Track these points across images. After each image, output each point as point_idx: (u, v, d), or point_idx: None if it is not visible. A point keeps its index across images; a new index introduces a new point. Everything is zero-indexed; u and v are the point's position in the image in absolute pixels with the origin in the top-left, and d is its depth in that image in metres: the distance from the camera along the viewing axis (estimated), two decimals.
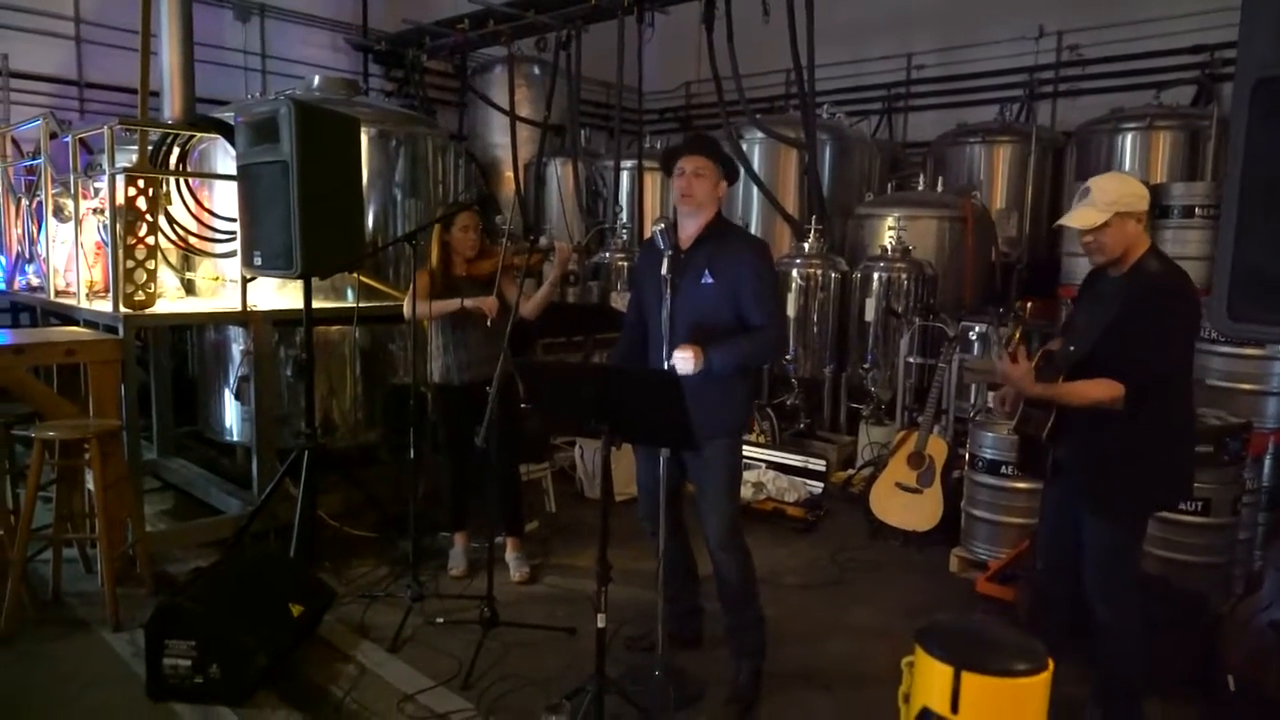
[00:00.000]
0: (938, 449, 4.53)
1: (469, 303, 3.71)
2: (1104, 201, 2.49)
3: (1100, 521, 2.57)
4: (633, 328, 3.15)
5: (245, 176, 3.97)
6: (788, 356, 6.09)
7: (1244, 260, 1.75)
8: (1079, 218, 2.53)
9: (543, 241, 3.91)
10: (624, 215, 7.87)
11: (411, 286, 3.75)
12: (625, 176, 8.02)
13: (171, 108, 4.78)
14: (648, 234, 8.27)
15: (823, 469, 5.15)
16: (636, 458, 3.18)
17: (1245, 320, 1.78)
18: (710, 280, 2.83)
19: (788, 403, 6.17)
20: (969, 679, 1.78)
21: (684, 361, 2.70)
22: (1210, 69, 6.94)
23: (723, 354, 2.77)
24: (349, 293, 4.71)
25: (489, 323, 3.72)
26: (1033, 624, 2.98)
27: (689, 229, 2.92)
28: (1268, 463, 4.06)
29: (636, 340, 3.10)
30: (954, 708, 1.80)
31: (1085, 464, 2.61)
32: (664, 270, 2.77)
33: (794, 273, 6.08)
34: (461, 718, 2.86)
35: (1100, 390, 2.45)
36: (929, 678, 1.86)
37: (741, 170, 6.92)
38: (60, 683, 3.04)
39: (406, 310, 3.72)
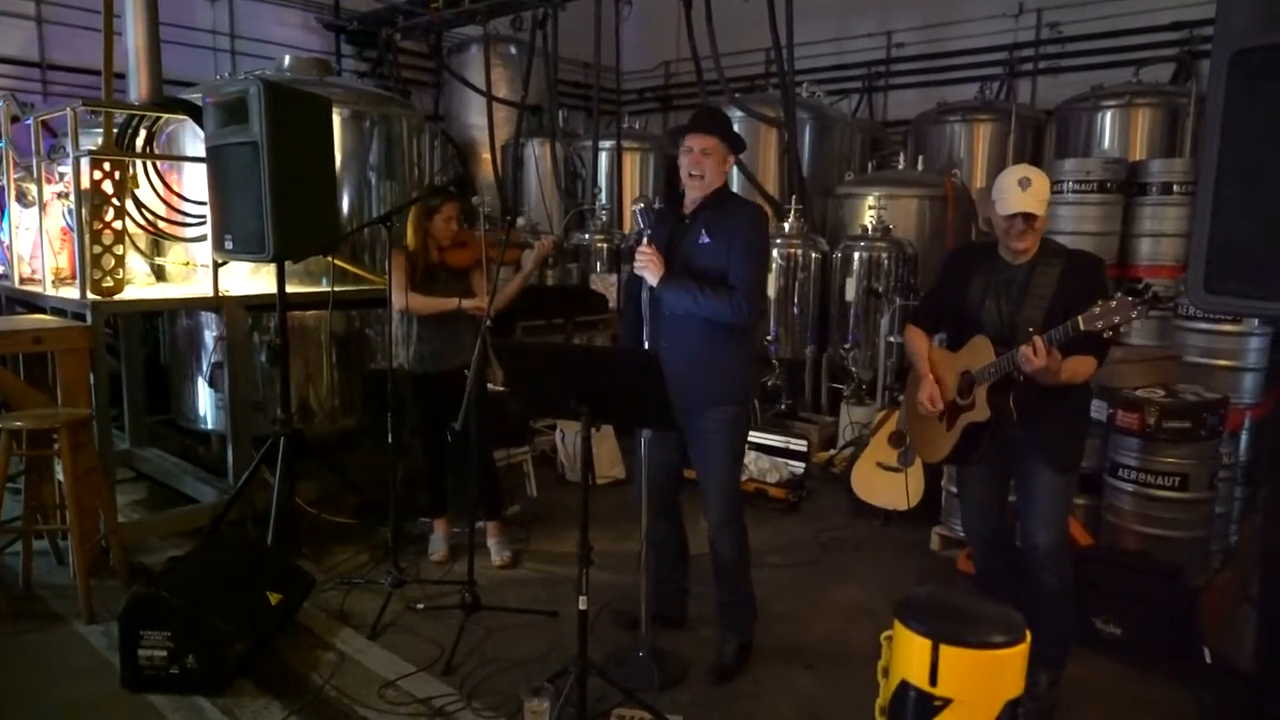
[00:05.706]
0: None
1: (467, 304, 3.70)
2: (1044, 196, 2.61)
3: (1063, 477, 2.75)
4: (632, 302, 3.12)
5: (215, 159, 3.88)
6: (769, 337, 6.09)
7: (1220, 233, 1.74)
8: (1039, 205, 2.59)
9: (520, 223, 3.88)
10: (603, 196, 7.81)
11: (402, 277, 3.69)
12: (604, 157, 7.96)
13: (138, 89, 4.66)
14: (627, 215, 8.20)
15: (804, 449, 5.14)
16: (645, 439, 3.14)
17: (1221, 294, 1.77)
18: (708, 240, 2.86)
19: (769, 383, 6.17)
20: (947, 651, 1.78)
21: (643, 258, 2.79)
22: (1189, 46, 6.95)
23: (678, 286, 2.80)
24: (324, 277, 4.65)
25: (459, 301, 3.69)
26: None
27: (694, 198, 2.95)
28: (1244, 438, 4.10)
29: (636, 319, 3.02)
30: (933, 680, 1.80)
31: (1049, 430, 2.70)
32: (643, 244, 2.82)
33: (774, 253, 6.05)
34: (444, 703, 2.85)
35: (1090, 366, 2.59)
36: (908, 651, 1.85)
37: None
38: (34, 676, 3.00)
39: (399, 303, 3.70)
